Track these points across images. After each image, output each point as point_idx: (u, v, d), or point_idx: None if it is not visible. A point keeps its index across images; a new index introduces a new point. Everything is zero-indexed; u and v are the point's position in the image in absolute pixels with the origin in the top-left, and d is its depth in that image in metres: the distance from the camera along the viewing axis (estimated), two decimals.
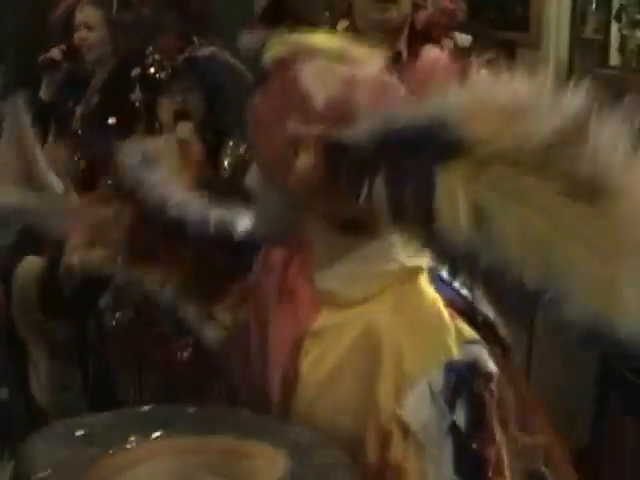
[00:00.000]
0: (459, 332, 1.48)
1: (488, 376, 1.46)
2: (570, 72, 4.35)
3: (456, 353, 1.46)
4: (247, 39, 1.60)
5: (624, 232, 1.23)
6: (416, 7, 2.63)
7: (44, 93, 4.04)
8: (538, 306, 1.28)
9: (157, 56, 3.42)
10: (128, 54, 3.69)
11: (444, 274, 1.48)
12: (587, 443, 3.64)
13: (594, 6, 4.40)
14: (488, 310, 1.56)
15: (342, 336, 1.53)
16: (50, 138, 4.03)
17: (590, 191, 1.24)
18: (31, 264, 3.60)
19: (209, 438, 1.41)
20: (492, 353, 1.49)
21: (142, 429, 1.41)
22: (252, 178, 1.59)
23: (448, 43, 2.52)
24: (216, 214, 1.76)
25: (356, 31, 2.56)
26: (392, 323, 1.49)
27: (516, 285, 1.28)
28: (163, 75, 3.38)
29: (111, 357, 3.48)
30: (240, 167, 3.35)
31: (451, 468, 1.42)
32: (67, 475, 1.31)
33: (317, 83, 1.47)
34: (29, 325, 3.66)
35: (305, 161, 1.46)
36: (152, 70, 3.40)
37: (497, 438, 1.44)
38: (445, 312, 1.50)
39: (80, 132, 3.97)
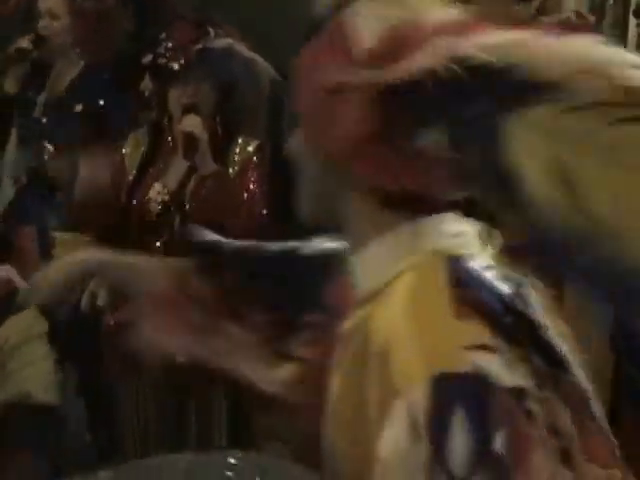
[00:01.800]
0: (467, 336, 1.12)
1: (516, 392, 1.10)
2: None
3: (454, 364, 1.10)
4: None
5: None
6: None
7: (10, 86, 3.98)
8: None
9: (170, 44, 3.34)
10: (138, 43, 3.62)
11: (486, 264, 1.24)
12: None
13: (612, 1, 4.32)
14: (534, 311, 1.23)
15: (354, 337, 1.23)
16: (13, 131, 4.02)
17: None
18: None
19: None
20: (530, 362, 1.15)
21: None
22: (294, 143, 1.36)
23: None
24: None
25: None
26: (392, 319, 1.18)
27: (606, 262, 1.05)
28: (175, 65, 3.27)
29: (108, 357, 3.41)
30: (248, 164, 3.29)
31: None
32: None
33: (368, 23, 1.25)
34: None
35: (352, 112, 1.22)
36: (164, 59, 3.30)
37: None
38: (451, 308, 1.15)
39: (45, 120, 3.94)
